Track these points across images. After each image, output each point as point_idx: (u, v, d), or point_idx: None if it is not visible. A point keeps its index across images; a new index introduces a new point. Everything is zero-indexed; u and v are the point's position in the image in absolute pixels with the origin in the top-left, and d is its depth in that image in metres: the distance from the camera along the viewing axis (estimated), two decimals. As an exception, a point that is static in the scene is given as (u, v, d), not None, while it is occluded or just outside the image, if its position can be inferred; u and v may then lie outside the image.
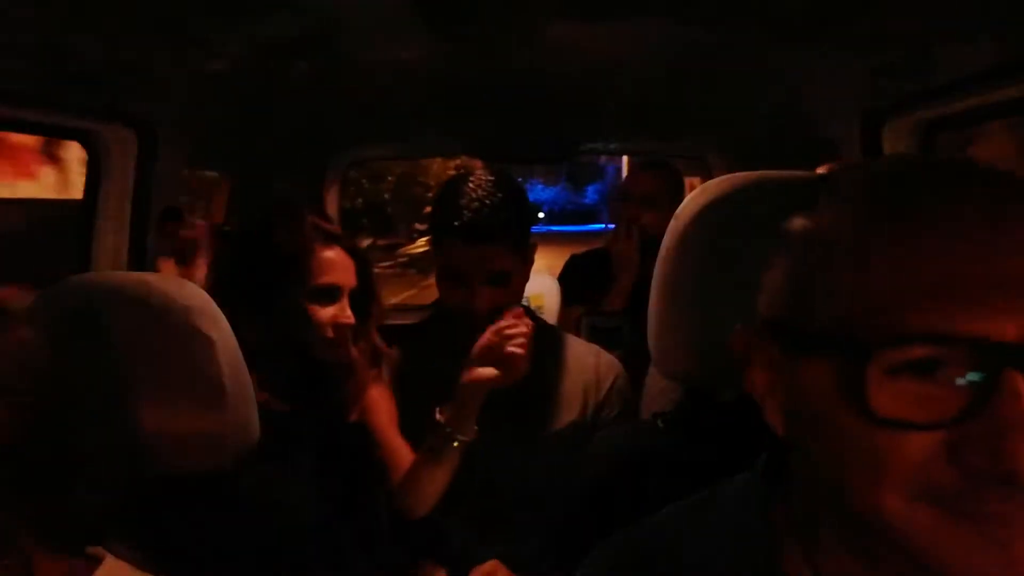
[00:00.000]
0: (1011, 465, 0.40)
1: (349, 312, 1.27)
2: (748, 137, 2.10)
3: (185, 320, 0.76)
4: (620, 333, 1.57)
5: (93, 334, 0.72)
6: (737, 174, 0.86)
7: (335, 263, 1.28)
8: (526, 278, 1.39)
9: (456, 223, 1.27)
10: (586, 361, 1.41)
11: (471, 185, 1.30)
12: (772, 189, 0.79)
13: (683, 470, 0.73)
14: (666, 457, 0.86)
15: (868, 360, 0.43)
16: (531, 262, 1.39)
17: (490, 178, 1.32)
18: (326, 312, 1.25)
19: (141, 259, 1.53)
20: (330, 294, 1.26)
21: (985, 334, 0.41)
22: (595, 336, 1.54)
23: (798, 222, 0.51)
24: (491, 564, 1.25)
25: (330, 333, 1.25)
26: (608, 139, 2.45)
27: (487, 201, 1.28)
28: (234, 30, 1.18)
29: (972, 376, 0.41)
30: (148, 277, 0.80)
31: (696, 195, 0.86)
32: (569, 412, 1.37)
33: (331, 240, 1.29)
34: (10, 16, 0.97)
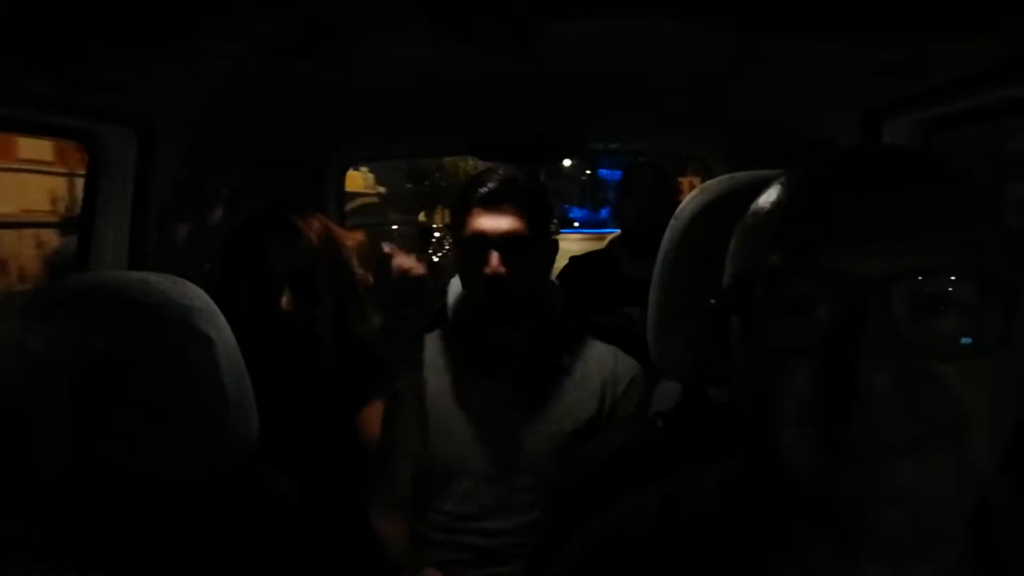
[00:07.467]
0: (862, 388, 0.43)
1: (287, 299, 1.22)
2: (748, 137, 2.09)
3: (185, 320, 0.76)
4: (621, 332, 1.57)
5: (92, 333, 0.72)
6: (737, 174, 0.86)
7: (269, 245, 1.24)
8: (545, 261, 1.50)
9: (478, 192, 1.41)
10: (605, 360, 1.47)
11: (493, 169, 1.48)
12: None
13: (681, 469, 0.73)
14: (664, 456, 0.86)
15: (753, 298, 0.49)
16: (552, 247, 1.51)
17: (512, 171, 1.49)
18: (259, 297, 1.20)
19: (141, 259, 1.53)
20: (262, 279, 1.22)
21: (849, 269, 0.45)
22: (596, 335, 1.55)
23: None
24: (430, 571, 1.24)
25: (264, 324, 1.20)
26: (608, 139, 2.45)
27: (507, 178, 1.43)
28: (234, 30, 1.18)
29: (837, 306, 0.46)
30: (148, 277, 0.80)
31: (696, 195, 0.86)
32: (587, 408, 1.42)
33: (277, 224, 1.25)
34: (10, 16, 0.96)
